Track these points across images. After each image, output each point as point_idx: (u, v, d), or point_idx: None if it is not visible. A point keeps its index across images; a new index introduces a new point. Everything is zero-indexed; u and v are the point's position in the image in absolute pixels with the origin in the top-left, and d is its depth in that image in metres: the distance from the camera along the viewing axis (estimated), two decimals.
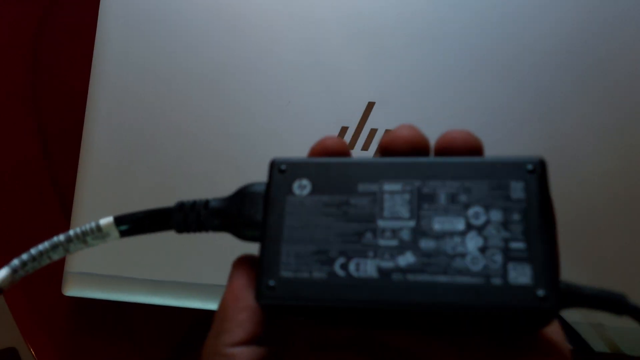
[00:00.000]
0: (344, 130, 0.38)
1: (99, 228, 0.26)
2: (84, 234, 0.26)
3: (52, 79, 0.47)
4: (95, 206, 0.39)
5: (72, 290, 0.39)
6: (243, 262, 0.24)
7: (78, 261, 0.38)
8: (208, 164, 0.38)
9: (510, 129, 0.37)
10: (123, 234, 0.25)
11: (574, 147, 0.36)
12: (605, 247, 0.35)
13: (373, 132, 0.37)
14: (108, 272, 0.38)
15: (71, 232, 0.26)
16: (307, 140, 0.37)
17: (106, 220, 0.26)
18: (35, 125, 0.46)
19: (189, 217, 0.24)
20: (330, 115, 0.38)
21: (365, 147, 0.37)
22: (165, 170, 0.38)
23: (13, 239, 0.44)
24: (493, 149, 0.36)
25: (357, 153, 0.38)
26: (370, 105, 0.38)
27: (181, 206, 0.25)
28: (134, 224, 0.25)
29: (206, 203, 0.25)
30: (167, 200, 0.37)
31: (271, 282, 0.21)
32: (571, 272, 0.33)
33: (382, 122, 0.38)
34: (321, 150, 0.24)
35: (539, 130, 0.36)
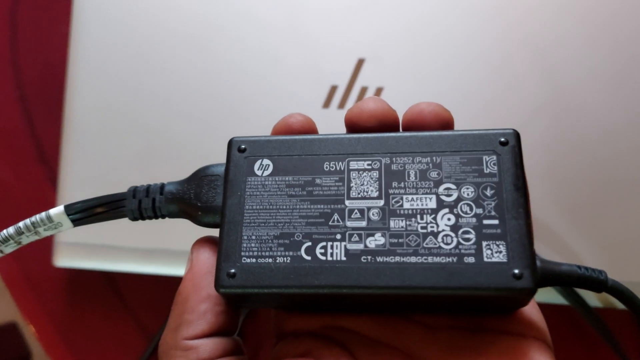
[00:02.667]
0: (333, 89, 0.36)
1: (49, 218, 0.24)
2: (35, 225, 0.24)
3: (32, 45, 0.45)
4: (82, 173, 0.37)
5: (63, 260, 0.37)
6: (203, 245, 0.22)
7: (68, 231, 0.37)
8: (194, 127, 0.36)
9: (509, 85, 0.35)
10: (76, 222, 0.24)
11: (576, 101, 0.35)
12: (613, 213, 0.34)
13: (364, 90, 0.36)
14: (99, 241, 0.36)
15: (21, 224, 0.24)
16: (294, 100, 0.35)
17: (57, 210, 0.24)
18: (16, 94, 0.44)
19: (143, 203, 0.23)
20: (318, 73, 0.36)
21: None
22: (150, 133, 0.36)
23: None
24: (491, 108, 0.35)
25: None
26: (360, 62, 0.36)
27: (134, 192, 0.23)
28: (86, 212, 0.23)
29: (161, 187, 0.23)
30: (154, 163, 0.36)
31: (232, 270, 0.20)
32: (578, 239, 0.33)
33: (373, 79, 0.36)
34: (285, 131, 0.23)
35: (539, 87, 0.35)
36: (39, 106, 0.44)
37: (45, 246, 0.38)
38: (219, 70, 0.36)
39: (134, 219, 0.23)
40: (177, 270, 0.36)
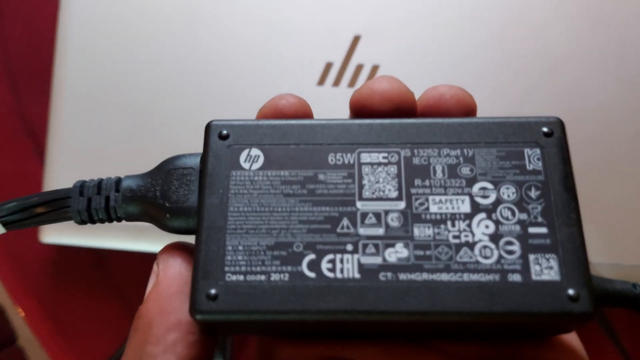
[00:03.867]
0: (328, 66, 0.34)
1: None
2: None
3: (19, 18, 0.44)
4: (70, 147, 0.35)
5: (50, 236, 0.35)
6: (173, 255, 0.18)
7: None
8: (183, 104, 0.34)
9: (508, 63, 0.33)
10: (8, 226, 0.19)
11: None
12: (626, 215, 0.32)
13: (359, 68, 0.34)
14: None
15: None
16: (287, 77, 0.33)
17: None
18: (3, 68, 0.43)
19: (93, 203, 0.18)
20: (313, 50, 0.34)
21: (351, 85, 0.34)
22: (139, 108, 0.35)
23: None
24: (491, 87, 0.33)
25: (343, 91, 0.34)
26: (356, 39, 0.34)
27: (81, 188, 0.18)
28: (20, 214, 0.18)
29: (117, 182, 0.18)
30: (144, 138, 0.34)
31: (212, 290, 0.16)
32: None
33: (370, 57, 0.34)
34: (274, 116, 0.18)
35: (537, 65, 0.33)
36: (27, 80, 0.43)
37: None
38: (209, 46, 0.35)
39: (82, 222, 0.18)
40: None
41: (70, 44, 0.36)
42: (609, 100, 0.32)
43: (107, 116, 0.35)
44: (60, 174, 0.34)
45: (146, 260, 0.34)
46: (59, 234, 0.35)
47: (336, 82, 0.34)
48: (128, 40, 0.35)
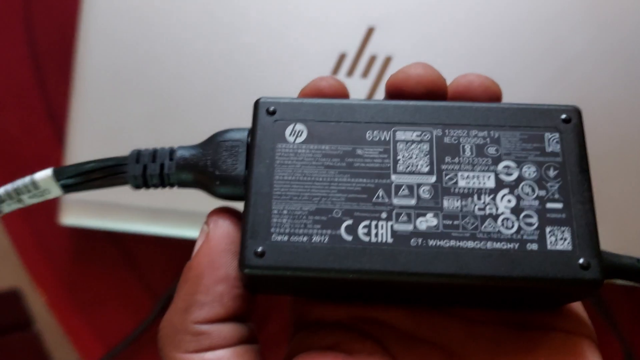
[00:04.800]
0: (342, 57, 0.35)
1: (35, 184, 0.21)
2: (18, 192, 0.21)
3: (45, 2, 0.45)
4: (91, 131, 0.36)
5: (70, 218, 0.36)
6: (222, 216, 0.19)
7: None
8: (204, 90, 0.35)
9: (521, 55, 0.34)
10: (66, 189, 0.21)
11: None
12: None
13: (373, 59, 0.34)
14: (107, 199, 0.35)
15: (1, 191, 0.21)
16: (302, 66, 0.34)
17: (43, 175, 0.21)
18: (28, 51, 0.44)
19: (148, 169, 0.20)
20: (327, 41, 0.35)
21: (364, 75, 0.35)
22: (161, 94, 0.35)
23: (6, 167, 0.42)
24: (505, 78, 0.34)
25: (356, 81, 0.34)
26: (370, 31, 0.35)
27: (138, 155, 0.20)
28: (79, 177, 0.20)
29: (171, 152, 0.20)
30: (164, 124, 0.35)
31: (260, 248, 0.17)
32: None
33: (383, 48, 0.35)
34: (315, 94, 0.20)
35: (549, 56, 0.34)
36: (50, 64, 0.43)
37: (53, 203, 0.37)
38: (227, 34, 0.35)
39: (137, 187, 0.20)
40: (184, 231, 0.35)
41: (92, 28, 0.37)
42: (621, 97, 0.34)
43: (128, 101, 0.36)
44: (80, 157, 0.34)
45: (164, 243, 0.36)
46: (78, 217, 0.36)
47: (350, 73, 0.34)
48: (150, 25, 0.36)
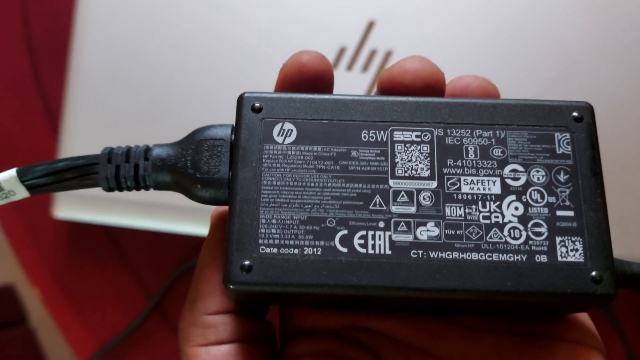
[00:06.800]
0: (342, 51, 0.34)
1: None
2: None
3: None
4: (85, 125, 0.35)
5: (63, 212, 0.35)
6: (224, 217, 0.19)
7: None
8: (199, 84, 0.35)
9: (522, 52, 0.33)
10: (33, 190, 0.19)
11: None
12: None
13: (373, 53, 0.34)
14: (100, 192, 0.34)
15: None
16: None
17: (6, 175, 0.19)
18: (24, 45, 0.43)
19: (121, 171, 0.18)
20: (327, 35, 0.34)
21: (364, 69, 0.34)
22: (156, 88, 0.35)
23: (2, 160, 0.42)
24: (504, 75, 0.33)
25: (356, 75, 0.34)
26: (370, 25, 0.34)
27: (109, 155, 0.18)
28: (45, 178, 0.18)
29: (146, 151, 0.18)
30: (159, 119, 0.34)
31: (246, 261, 0.16)
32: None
33: (384, 43, 0.34)
34: (296, 70, 0.18)
35: (551, 55, 0.33)
36: (46, 58, 0.43)
37: (47, 197, 0.37)
38: (225, 28, 0.35)
39: (109, 189, 0.18)
40: (179, 227, 0.35)
41: (88, 23, 0.36)
42: (625, 98, 0.33)
43: (121, 95, 0.35)
44: (74, 150, 0.35)
45: (158, 238, 0.36)
46: (71, 210, 0.36)
47: (349, 67, 0.34)
48: (144, 20, 0.35)
